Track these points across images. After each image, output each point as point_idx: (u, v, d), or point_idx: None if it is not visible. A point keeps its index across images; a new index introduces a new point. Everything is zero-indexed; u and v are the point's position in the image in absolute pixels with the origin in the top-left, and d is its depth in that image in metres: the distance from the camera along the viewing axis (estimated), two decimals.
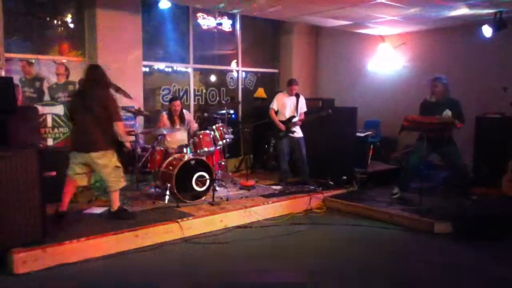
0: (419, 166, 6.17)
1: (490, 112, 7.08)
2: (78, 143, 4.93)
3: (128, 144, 5.10)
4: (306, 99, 7.37)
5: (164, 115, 6.81)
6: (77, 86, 7.21)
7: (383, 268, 4.36)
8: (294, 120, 6.98)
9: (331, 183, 7.14)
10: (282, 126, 7.01)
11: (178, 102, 6.85)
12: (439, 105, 6.02)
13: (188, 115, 7.13)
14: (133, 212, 5.30)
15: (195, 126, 7.03)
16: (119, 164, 5.04)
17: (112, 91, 5.12)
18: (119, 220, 5.00)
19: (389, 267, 4.39)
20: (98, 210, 5.51)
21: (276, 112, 7.13)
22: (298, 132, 7.05)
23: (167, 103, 7.85)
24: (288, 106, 7.05)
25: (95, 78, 4.90)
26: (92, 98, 4.83)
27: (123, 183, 5.13)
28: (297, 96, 7.09)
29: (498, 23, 6.57)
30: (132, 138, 6.47)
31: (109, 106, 4.84)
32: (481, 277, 4.16)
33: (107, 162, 4.92)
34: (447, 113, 5.94)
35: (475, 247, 4.88)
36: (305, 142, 7.10)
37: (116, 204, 5.12)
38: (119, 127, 4.92)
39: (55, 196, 5.11)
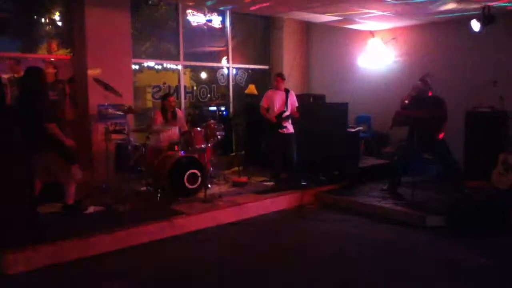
0: (410, 162, 6.20)
1: (480, 106, 7.12)
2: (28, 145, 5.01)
3: (68, 141, 5.13)
4: (297, 95, 7.37)
5: (159, 111, 6.77)
6: (65, 85, 7.18)
7: (376, 262, 4.38)
8: (285, 115, 6.97)
9: (323, 178, 7.15)
10: (274, 119, 7.00)
11: (173, 98, 6.86)
12: (424, 101, 6.04)
13: (180, 113, 7.09)
14: (86, 206, 5.47)
15: (185, 126, 6.99)
16: (64, 162, 5.14)
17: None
18: (72, 212, 5.21)
19: (381, 261, 4.41)
20: (89, 210, 5.47)
21: (267, 110, 7.13)
22: (289, 128, 7.05)
23: (159, 100, 7.81)
24: (277, 102, 7.04)
25: (30, 82, 5.04)
26: (27, 102, 4.98)
27: (78, 175, 5.29)
28: (287, 91, 7.08)
29: (486, 18, 6.60)
30: (123, 136, 6.46)
31: (41, 109, 4.95)
32: (472, 270, 4.19)
33: (51, 161, 5.07)
34: None
35: (466, 240, 4.92)
36: (296, 138, 7.09)
37: (71, 198, 5.24)
38: (51, 129, 4.96)
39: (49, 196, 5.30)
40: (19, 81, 5.35)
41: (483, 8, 6.55)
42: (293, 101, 7.11)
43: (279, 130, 6.97)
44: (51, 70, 6.95)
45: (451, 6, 6.64)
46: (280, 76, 7.15)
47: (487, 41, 7.14)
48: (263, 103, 7.14)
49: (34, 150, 4.83)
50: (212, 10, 8.79)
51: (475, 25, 6.79)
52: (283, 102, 7.02)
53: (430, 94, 6.08)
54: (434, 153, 6.29)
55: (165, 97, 6.90)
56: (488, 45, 7.23)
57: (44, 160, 5.06)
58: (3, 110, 5.45)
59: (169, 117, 6.75)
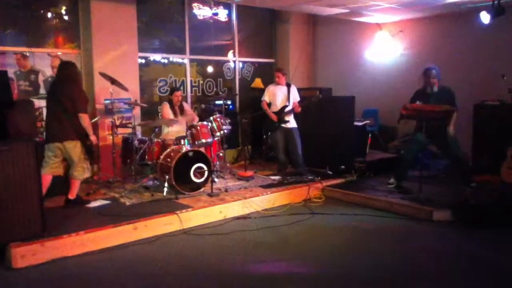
0: (417, 156, 6.15)
1: (489, 100, 7.05)
2: (52, 134, 5.22)
3: (93, 138, 5.35)
4: (303, 89, 7.36)
5: (167, 104, 6.77)
6: None
7: (383, 256, 4.36)
8: (287, 110, 6.94)
9: (330, 172, 7.13)
10: (275, 117, 6.99)
11: (179, 93, 6.85)
12: (431, 94, 5.99)
13: (187, 106, 7.09)
14: (88, 200, 5.60)
15: (196, 118, 7.00)
16: (85, 156, 5.32)
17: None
18: (75, 206, 5.32)
19: (388, 255, 4.39)
20: (96, 203, 5.50)
21: (269, 104, 7.10)
22: (291, 123, 7.02)
23: (165, 95, 7.81)
24: (279, 97, 7.02)
25: (65, 73, 5.29)
26: (62, 92, 5.18)
27: (87, 174, 5.45)
28: (288, 86, 7.04)
29: (496, 9, 6.51)
30: (129, 130, 6.47)
31: (76, 99, 5.16)
32: (481, 265, 4.16)
33: (76, 151, 5.23)
34: None
35: (474, 235, 4.88)
36: (303, 132, 7.06)
37: (75, 192, 5.37)
38: (84, 120, 5.20)
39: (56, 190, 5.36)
40: (55, 74, 5.54)
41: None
42: (295, 95, 7.07)
43: (282, 125, 6.95)
44: (57, 65, 6.93)
45: None
46: (280, 71, 7.12)
47: (495, 33, 7.04)
48: (265, 97, 7.13)
49: (60, 138, 5.11)
50: (218, 3, 8.75)
51: (485, 17, 6.70)
52: (286, 96, 6.99)
53: (436, 85, 6.01)
54: (442, 147, 6.22)
55: (172, 91, 6.89)
56: (496, 37, 7.13)
57: (69, 150, 5.18)
58: (12, 103, 5.46)
59: (177, 111, 6.75)
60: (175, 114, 6.73)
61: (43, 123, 6.60)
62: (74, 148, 5.21)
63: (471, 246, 4.59)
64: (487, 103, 7.05)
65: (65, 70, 5.32)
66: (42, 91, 6.83)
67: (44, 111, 6.39)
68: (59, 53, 7.03)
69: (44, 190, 5.13)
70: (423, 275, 3.95)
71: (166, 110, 6.71)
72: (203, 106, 8.48)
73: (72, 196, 5.36)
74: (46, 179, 5.16)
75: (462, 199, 5.39)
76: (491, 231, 4.94)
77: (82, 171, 5.33)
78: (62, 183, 5.55)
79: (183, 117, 6.80)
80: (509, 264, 4.17)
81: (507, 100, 6.82)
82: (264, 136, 8.11)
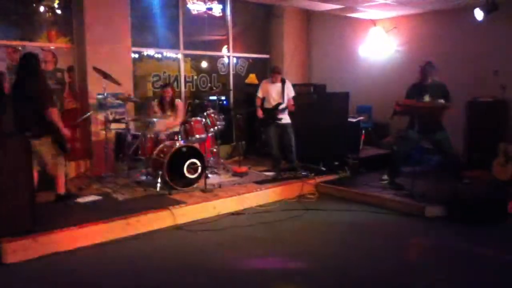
0: (409, 152, 6.17)
1: (482, 96, 7.08)
2: (20, 131, 5.01)
3: (65, 131, 5.15)
4: (298, 85, 7.34)
5: (154, 102, 6.76)
6: (65, 73, 7.14)
7: (375, 252, 4.37)
8: (281, 107, 6.93)
9: (323, 168, 7.14)
10: (260, 114, 7.02)
11: (169, 89, 6.80)
12: (425, 89, 5.99)
13: (180, 105, 6.99)
14: (78, 194, 5.57)
15: (181, 119, 6.83)
16: (57, 151, 5.15)
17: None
18: (66, 200, 5.25)
19: (381, 251, 4.41)
20: (89, 198, 5.47)
21: (263, 100, 7.09)
22: (285, 119, 7.02)
23: (158, 90, 7.77)
24: (273, 93, 7.01)
25: (28, 66, 5.05)
26: (28, 86, 4.98)
27: (63, 169, 5.26)
28: (283, 82, 7.03)
29: (489, 6, 6.53)
30: (122, 125, 6.43)
31: (41, 93, 4.99)
32: (472, 260, 4.19)
33: (45, 149, 5.05)
34: (427, 99, 5.92)
35: (466, 231, 4.91)
36: (297, 128, 7.06)
37: (62, 187, 5.28)
38: (53, 114, 4.99)
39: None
40: (17, 67, 5.29)
41: None
42: (289, 91, 7.07)
43: (276, 121, 6.94)
44: (50, 59, 6.88)
45: None
46: (277, 71, 7.12)
47: (489, 30, 7.07)
48: (259, 94, 7.13)
49: (30, 136, 4.79)
50: None
51: (478, 14, 6.72)
52: (280, 93, 6.98)
53: (430, 81, 6.02)
54: (434, 143, 6.25)
55: (162, 87, 6.86)
56: (490, 34, 7.16)
57: (38, 147, 4.99)
58: (2, 98, 5.42)
59: (166, 107, 6.72)
60: (164, 111, 6.70)
61: None
62: (42, 145, 5.03)
63: (463, 242, 4.61)
64: (479, 99, 7.08)
65: (29, 62, 5.06)
66: None
67: None
68: (52, 47, 6.98)
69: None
70: (416, 270, 3.97)
71: (154, 107, 6.71)
72: (197, 101, 8.44)
73: (60, 191, 5.28)
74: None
75: (454, 195, 5.42)
76: (482, 227, 4.97)
77: (58, 168, 5.17)
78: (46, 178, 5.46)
79: (173, 112, 6.76)
80: (500, 259, 4.19)
81: (500, 96, 6.85)
82: (258, 132, 8.10)
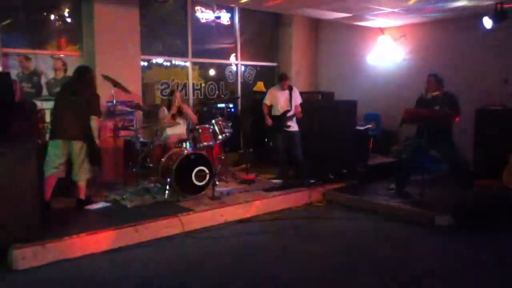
0: (418, 160, 6.13)
1: (491, 105, 7.04)
2: (62, 130, 5.22)
3: (97, 141, 5.38)
4: (306, 93, 7.35)
5: (164, 109, 6.77)
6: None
7: (384, 261, 4.35)
8: (289, 114, 6.94)
9: (332, 176, 7.11)
10: (270, 122, 7.01)
11: (179, 93, 6.85)
12: (434, 100, 5.97)
13: (186, 109, 7.04)
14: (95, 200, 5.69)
15: (194, 117, 6.95)
16: (88, 158, 5.36)
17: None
18: (87, 206, 5.42)
19: (390, 260, 4.37)
20: (98, 205, 5.50)
21: (271, 107, 7.10)
22: (293, 126, 7.02)
23: (166, 97, 7.80)
24: (281, 100, 7.02)
25: (85, 77, 5.48)
26: (81, 95, 5.30)
27: (88, 175, 5.43)
28: (290, 89, 7.04)
29: (498, 15, 6.52)
30: (131, 133, 6.45)
31: (93, 103, 5.33)
32: (481, 269, 4.15)
33: (82, 153, 5.27)
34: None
35: (475, 239, 4.87)
36: (305, 136, 7.05)
37: (84, 193, 5.45)
38: (95, 121, 5.28)
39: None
40: (75, 76, 5.58)
41: (496, 4, 6.46)
42: (297, 98, 7.07)
43: (284, 128, 6.95)
44: (60, 67, 6.94)
45: (463, 3, 6.55)
46: (287, 78, 7.16)
47: (498, 38, 7.05)
48: (266, 101, 7.14)
49: (72, 136, 5.17)
50: (221, 6, 8.76)
51: (487, 22, 6.71)
52: (287, 100, 6.99)
53: (438, 93, 5.97)
54: (442, 152, 6.21)
55: (170, 93, 6.90)
56: (499, 42, 7.14)
57: (74, 150, 5.23)
58: (14, 105, 5.47)
59: (175, 113, 6.74)
60: (173, 116, 6.72)
61: (45, 124, 6.64)
62: (81, 149, 5.24)
63: (472, 251, 4.58)
64: (489, 108, 7.04)
65: (87, 74, 5.50)
66: (45, 92, 6.83)
67: (47, 113, 6.44)
68: (61, 55, 7.05)
69: (50, 191, 5.19)
70: (425, 279, 3.93)
71: (163, 114, 6.71)
72: (205, 109, 8.47)
73: (82, 197, 5.42)
74: (51, 180, 5.18)
75: (464, 204, 5.38)
76: (492, 236, 4.93)
77: (83, 173, 5.34)
78: (64, 184, 5.54)
79: (181, 118, 6.78)
80: (507, 267, 4.15)
81: (510, 105, 6.81)
82: (266, 140, 8.09)
